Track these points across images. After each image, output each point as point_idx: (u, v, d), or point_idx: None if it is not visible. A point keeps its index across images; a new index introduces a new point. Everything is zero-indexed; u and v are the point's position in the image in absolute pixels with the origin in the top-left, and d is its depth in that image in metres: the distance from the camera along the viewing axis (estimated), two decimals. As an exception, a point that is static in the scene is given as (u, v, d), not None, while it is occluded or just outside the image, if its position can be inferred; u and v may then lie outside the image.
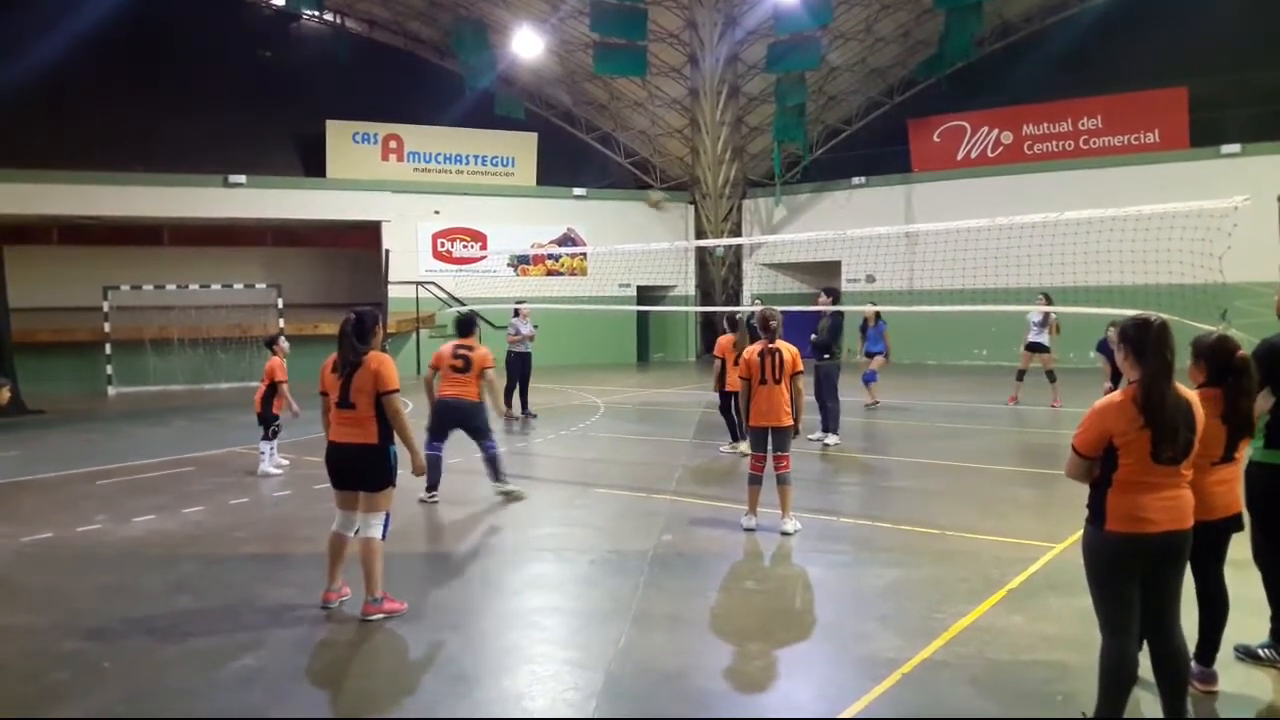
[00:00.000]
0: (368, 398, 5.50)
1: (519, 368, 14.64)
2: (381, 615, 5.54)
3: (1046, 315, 14.70)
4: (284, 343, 10.76)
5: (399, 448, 5.69)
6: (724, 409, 11.56)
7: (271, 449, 10.33)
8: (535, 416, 14.46)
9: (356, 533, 5.75)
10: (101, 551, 7.29)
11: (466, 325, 9.13)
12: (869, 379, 15.26)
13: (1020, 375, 15.24)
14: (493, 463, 9.01)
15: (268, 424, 10.26)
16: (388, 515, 5.73)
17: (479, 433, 8.95)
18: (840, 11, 23.21)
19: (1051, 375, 14.86)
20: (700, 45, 25.13)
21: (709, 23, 24.66)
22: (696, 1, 24.29)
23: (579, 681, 4.64)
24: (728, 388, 11.21)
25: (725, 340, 11.39)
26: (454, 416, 8.79)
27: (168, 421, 15.59)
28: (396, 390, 5.57)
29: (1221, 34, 21.02)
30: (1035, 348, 15.03)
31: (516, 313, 15.06)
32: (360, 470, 5.62)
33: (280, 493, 9.43)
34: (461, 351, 8.80)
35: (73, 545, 7.46)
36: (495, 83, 25.73)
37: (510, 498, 8.88)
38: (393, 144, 25.85)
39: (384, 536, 5.69)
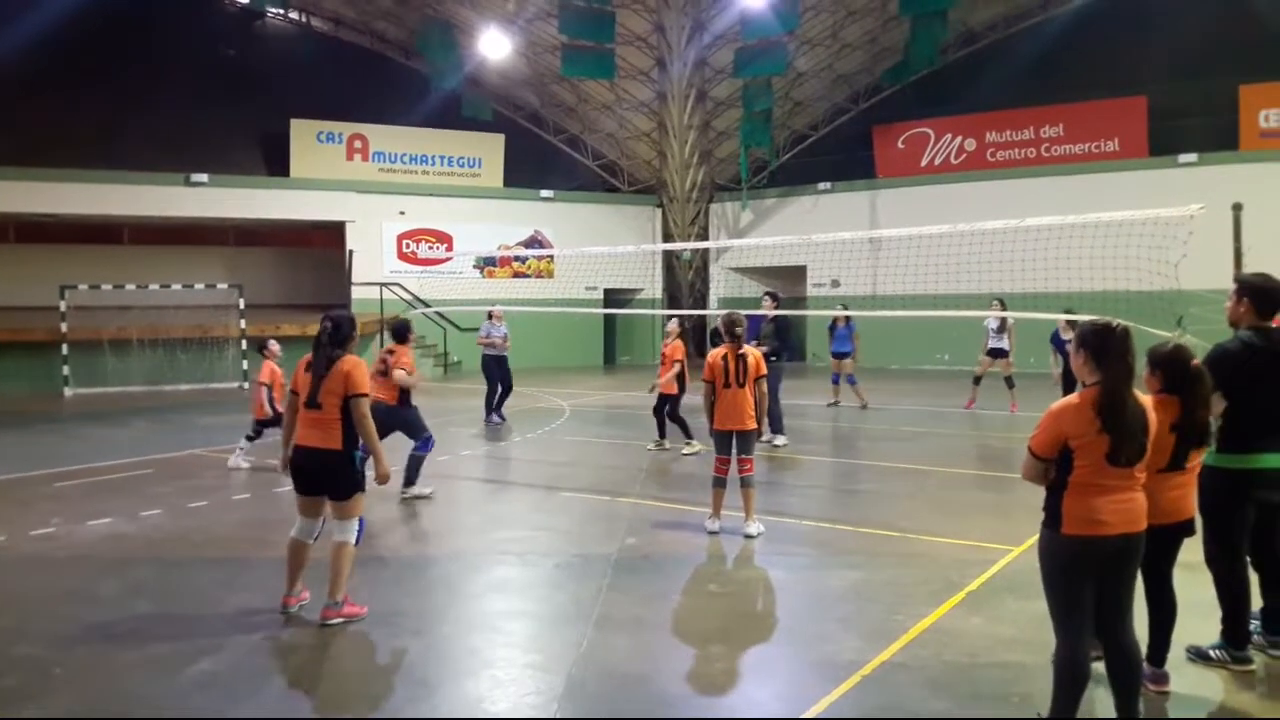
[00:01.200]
0: (336, 399, 5.45)
1: (495, 371, 14.48)
2: (341, 619, 5.49)
3: (1003, 320, 14.87)
4: (274, 345, 10.81)
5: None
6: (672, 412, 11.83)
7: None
8: (504, 421, 14.35)
9: (316, 539, 5.70)
10: (56, 555, 7.17)
11: (400, 331, 9.11)
12: (852, 381, 15.59)
13: (977, 380, 15.36)
14: (413, 465, 8.99)
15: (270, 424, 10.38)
16: (362, 520, 5.69)
17: (411, 431, 8.99)
18: (807, 18, 23.33)
19: (1010, 381, 15.00)
20: (668, 49, 25.16)
21: (677, 27, 24.70)
22: (664, 5, 24.32)
23: (540, 685, 4.64)
24: (663, 390, 11.66)
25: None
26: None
27: (126, 423, 15.35)
28: (366, 395, 5.52)
29: (1180, 45, 21.39)
30: (995, 353, 15.18)
31: (490, 315, 14.91)
32: (326, 477, 5.56)
33: (240, 496, 9.33)
34: (385, 356, 8.87)
35: (26, 548, 7.33)
36: (462, 83, 25.60)
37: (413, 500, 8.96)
38: (357, 144, 25.64)
39: (358, 542, 5.65)
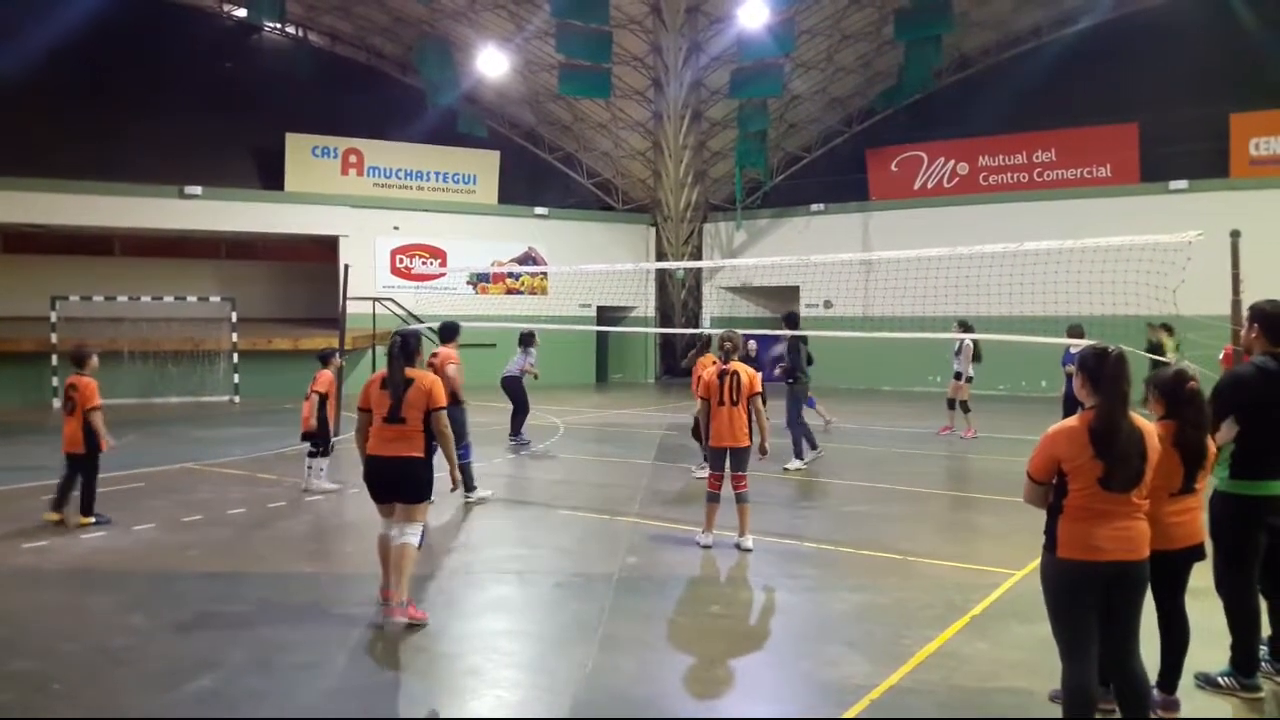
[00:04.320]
0: (419, 413, 5.80)
1: (519, 391, 14.09)
2: (406, 620, 5.63)
3: (961, 343, 14.88)
4: (338, 358, 10.82)
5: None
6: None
7: (323, 467, 10.25)
8: (529, 442, 13.86)
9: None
10: (50, 568, 7.09)
11: (448, 332, 9.84)
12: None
13: (950, 404, 15.27)
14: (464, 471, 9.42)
15: (324, 440, 10.19)
16: (425, 525, 5.97)
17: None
18: (803, 41, 23.48)
19: (965, 406, 14.88)
20: (664, 69, 25.27)
21: (673, 47, 24.81)
22: (661, 26, 24.43)
23: (546, 707, 4.58)
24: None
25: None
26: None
27: (117, 435, 14.91)
28: (445, 408, 5.88)
29: (1171, 73, 21.57)
30: (957, 375, 15.19)
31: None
32: (403, 482, 5.81)
33: (234, 510, 9.25)
34: (431, 360, 9.15)
35: (19, 561, 7.25)
36: (458, 100, 25.63)
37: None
38: (353, 159, 25.61)
39: (419, 545, 5.89)
